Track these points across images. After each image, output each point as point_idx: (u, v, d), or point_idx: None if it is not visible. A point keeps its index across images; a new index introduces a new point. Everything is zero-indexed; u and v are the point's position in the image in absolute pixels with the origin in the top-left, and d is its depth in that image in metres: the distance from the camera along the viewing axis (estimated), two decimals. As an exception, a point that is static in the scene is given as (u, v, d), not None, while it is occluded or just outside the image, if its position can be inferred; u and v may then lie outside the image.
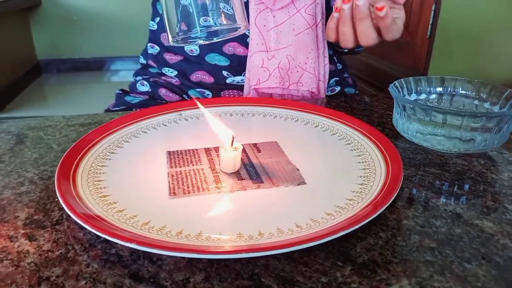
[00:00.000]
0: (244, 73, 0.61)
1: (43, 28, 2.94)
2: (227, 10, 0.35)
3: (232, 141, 0.37)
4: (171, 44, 0.36)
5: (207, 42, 0.35)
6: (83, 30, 2.99)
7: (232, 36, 0.36)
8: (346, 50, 0.70)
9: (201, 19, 0.35)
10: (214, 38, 0.36)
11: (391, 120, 0.52)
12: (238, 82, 0.62)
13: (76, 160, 0.38)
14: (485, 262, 0.28)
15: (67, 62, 3.06)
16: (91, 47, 3.04)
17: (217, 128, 0.39)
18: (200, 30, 0.35)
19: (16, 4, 2.59)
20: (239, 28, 0.36)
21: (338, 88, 0.71)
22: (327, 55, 0.64)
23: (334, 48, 0.70)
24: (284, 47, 0.60)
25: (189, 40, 0.36)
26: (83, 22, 2.97)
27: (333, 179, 0.38)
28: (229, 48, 0.61)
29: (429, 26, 1.20)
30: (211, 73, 0.63)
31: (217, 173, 0.38)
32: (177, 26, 0.35)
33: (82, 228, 0.31)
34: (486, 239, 0.30)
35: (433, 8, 1.18)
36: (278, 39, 0.60)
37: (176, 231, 0.29)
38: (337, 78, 0.71)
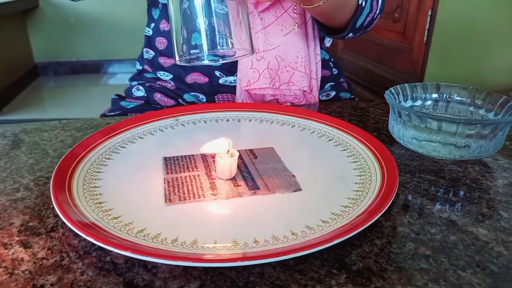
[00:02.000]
0: (236, 74, 0.62)
1: (41, 31, 2.94)
2: (235, 34, 0.36)
3: (229, 147, 0.37)
4: (177, 63, 0.36)
5: (211, 63, 0.36)
6: (80, 32, 2.99)
7: (237, 59, 0.36)
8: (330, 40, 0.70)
9: (209, 41, 0.35)
10: (220, 60, 0.36)
11: (387, 126, 0.52)
12: (231, 82, 0.63)
13: (72, 166, 0.38)
14: (480, 270, 0.28)
15: (65, 65, 3.06)
16: (88, 50, 3.04)
17: (213, 137, 0.39)
18: (208, 53, 0.35)
19: (14, 6, 2.59)
20: (246, 52, 0.37)
21: (333, 93, 0.71)
22: (318, 52, 0.64)
23: (325, 48, 0.70)
24: (272, 48, 0.61)
25: (194, 61, 0.36)
26: (80, 25, 2.97)
27: (329, 185, 0.38)
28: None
29: (426, 31, 1.21)
30: (205, 73, 0.63)
31: (213, 179, 0.38)
32: (183, 45, 0.36)
33: (77, 235, 0.31)
34: (481, 247, 0.31)
35: (429, 13, 1.19)
36: (267, 40, 0.61)
37: (172, 239, 0.29)
38: (333, 83, 0.72)
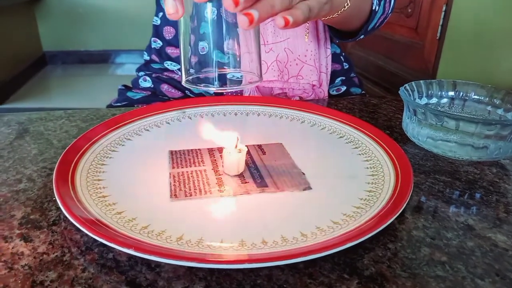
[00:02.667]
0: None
1: (49, 20, 2.94)
2: (244, 62, 0.35)
3: (237, 143, 0.36)
4: (183, 84, 0.35)
5: (219, 90, 0.34)
6: (88, 22, 2.98)
7: (244, 87, 0.35)
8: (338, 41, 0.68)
9: (217, 67, 0.35)
10: (228, 87, 0.35)
11: (400, 124, 0.50)
12: (238, 78, 0.61)
13: (76, 158, 0.37)
14: (499, 280, 0.27)
15: (72, 54, 3.05)
16: (96, 40, 3.03)
17: (220, 131, 0.38)
18: (215, 79, 0.35)
19: (23, -5, 2.58)
20: (254, 80, 0.36)
21: (344, 88, 0.69)
22: (329, 46, 0.63)
23: (337, 40, 0.68)
24: (282, 40, 0.59)
25: (203, 85, 0.35)
26: (89, 15, 2.96)
27: (340, 185, 0.36)
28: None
29: (439, 27, 1.18)
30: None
31: (220, 175, 0.37)
32: (191, 67, 0.35)
33: (79, 229, 0.30)
34: (500, 254, 0.29)
35: (443, 9, 1.16)
36: (276, 32, 0.59)
37: (176, 237, 0.28)
38: (343, 78, 0.70)
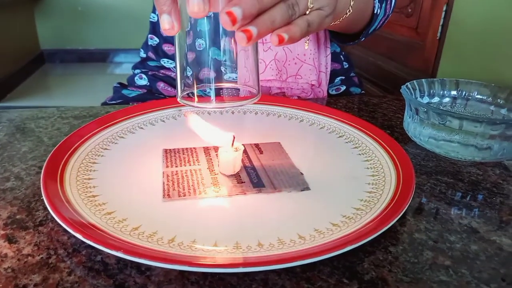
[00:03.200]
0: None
1: (48, 18, 2.92)
2: (242, 77, 0.33)
3: (233, 141, 0.35)
4: (179, 101, 0.34)
5: (216, 108, 0.33)
6: (87, 21, 2.96)
7: (242, 103, 0.34)
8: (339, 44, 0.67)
9: (214, 82, 0.34)
10: (226, 106, 0.34)
11: (401, 123, 0.49)
12: (234, 79, 0.60)
13: (66, 156, 0.36)
14: (506, 285, 0.26)
15: (71, 53, 3.03)
16: (95, 38, 3.02)
17: (216, 129, 0.37)
18: (212, 94, 0.34)
19: (21, -7, 2.57)
20: (252, 95, 0.35)
21: (343, 87, 0.68)
22: (329, 45, 0.62)
23: (337, 43, 0.67)
24: None
25: (197, 102, 0.34)
26: (88, 13, 2.94)
27: (339, 185, 0.35)
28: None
29: (440, 27, 1.17)
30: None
31: (215, 174, 0.36)
32: (187, 83, 0.34)
33: (66, 230, 0.28)
34: (505, 258, 0.28)
35: (444, 8, 1.15)
36: None
37: (168, 239, 0.27)
38: (343, 77, 0.69)
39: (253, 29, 0.28)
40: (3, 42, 2.39)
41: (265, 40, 0.58)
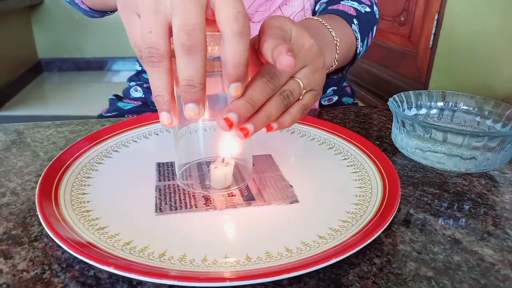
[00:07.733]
0: None
1: (45, 27, 2.94)
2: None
3: (223, 161, 0.36)
4: (177, 182, 0.37)
5: (210, 194, 0.36)
6: (85, 29, 2.98)
7: (233, 189, 0.37)
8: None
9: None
10: (217, 189, 0.37)
11: (390, 134, 0.50)
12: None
13: (60, 172, 0.37)
14: (485, 296, 0.26)
15: (68, 61, 3.05)
16: (92, 47, 3.03)
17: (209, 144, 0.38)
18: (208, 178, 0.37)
19: (19, 2, 2.58)
20: (245, 177, 0.38)
21: (335, 98, 0.69)
22: None
23: None
24: None
25: (193, 184, 0.37)
26: (85, 22, 2.96)
27: (327, 197, 0.36)
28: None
29: (432, 36, 1.19)
30: None
31: (207, 188, 0.37)
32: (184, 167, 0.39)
33: (60, 246, 0.29)
34: (486, 269, 0.29)
35: (436, 17, 1.17)
36: None
37: (159, 253, 0.28)
38: (335, 88, 0.70)
39: (249, 127, 0.29)
40: (0, 51, 2.41)
41: None
